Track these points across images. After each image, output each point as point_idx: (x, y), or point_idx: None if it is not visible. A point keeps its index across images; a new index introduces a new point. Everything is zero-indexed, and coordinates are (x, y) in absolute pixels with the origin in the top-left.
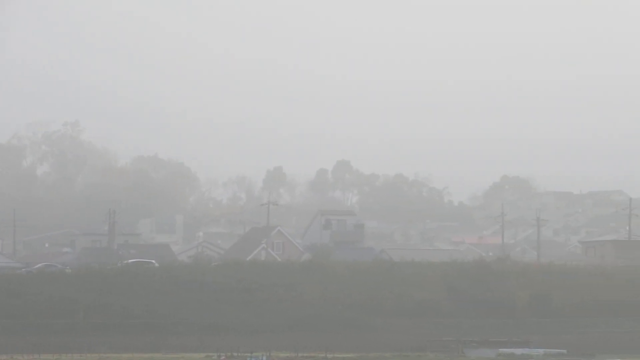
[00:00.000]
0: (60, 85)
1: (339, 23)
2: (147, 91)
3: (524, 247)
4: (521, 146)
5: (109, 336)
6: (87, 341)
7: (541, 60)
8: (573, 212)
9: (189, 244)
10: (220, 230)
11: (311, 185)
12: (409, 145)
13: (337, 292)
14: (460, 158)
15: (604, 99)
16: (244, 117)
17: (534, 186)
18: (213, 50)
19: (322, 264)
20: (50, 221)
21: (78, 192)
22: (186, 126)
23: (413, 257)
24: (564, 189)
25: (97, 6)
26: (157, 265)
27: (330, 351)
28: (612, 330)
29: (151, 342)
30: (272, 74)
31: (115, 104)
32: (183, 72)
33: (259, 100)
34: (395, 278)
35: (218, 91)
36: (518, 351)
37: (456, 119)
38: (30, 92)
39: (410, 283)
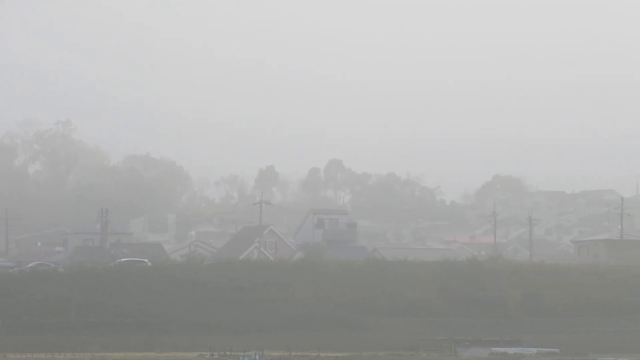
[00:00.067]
0: (52, 84)
1: (335, 23)
2: (139, 90)
3: (516, 246)
4: (513, 146)
5: (101, 335)
6: (79, 340)
7: (541, 60)
8: (565, 212)
9: (181, 243)
10: (213, 230)
11: (303, 184)
12: (401, 144)
13: (329, 291)
14: (452, 157)
15: (604, 99)
16: (236, 116)
17: (525, 185)
18: (205, 50)
19: (315, 263)
20: (43, 220)
21: (70, 191)
22: (178, 125)
23: (405, 256)
24: (556, 189)
25: (90, 6)
26: (149, 264)
27: (322, 350)
28: (605, 329)
29: (144, 341)
30: (265, 74)
31: (107, 103)
32: (175, 71)
33: (251, 99)
34: (388, 277)
35: (210, 90)
36: (510, 350)
37: (454, 119)
38: (22, 91)
39: (403, 282)
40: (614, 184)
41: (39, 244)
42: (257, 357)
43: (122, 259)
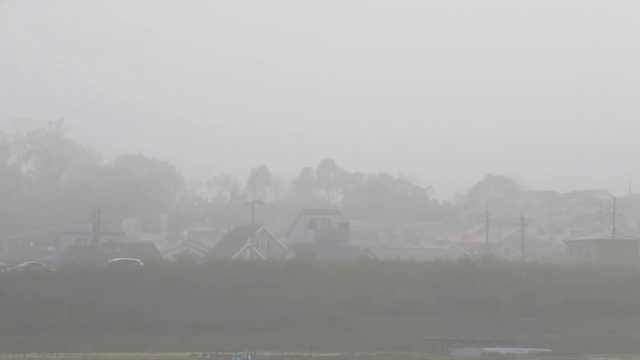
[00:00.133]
0: (45, 83)
1: (333, 23)
2: (132, 90)
3: (508, 246)
4: (509, 146)
5: (93, 335)
6: (72, 340)
7: (541, 60)
8: (557, 212)
9: (173, 243)
10: (205, 229)
11: (296, 184)
12: (394, 144)
13: (322, 291)
14: (445, 157)
15: (604, 99)
16: (228, 116)
17: (518, 185)
18: (198, 50)
19: (307, 263)
20: (35, 220)
21: (63, 191)
22: (171, 125)
23: (398, 256)
24: (549, 188)
25: (84, 5)
26: (141, 264)
27: (315, 350)
28: (597, 329)
29: (136, 341)
30: (259, 74)
31: (100, 102)
32: (169, 71)
33: (244, 100)
34: (380, 277)
35: (203, 90)
36: (503, 350)
37: (448, 119)
38: (15, 90)
39: (395, 282)
40: (606, 184)
41: (31, 243)
42: (249, 357)
43: (115, 259)
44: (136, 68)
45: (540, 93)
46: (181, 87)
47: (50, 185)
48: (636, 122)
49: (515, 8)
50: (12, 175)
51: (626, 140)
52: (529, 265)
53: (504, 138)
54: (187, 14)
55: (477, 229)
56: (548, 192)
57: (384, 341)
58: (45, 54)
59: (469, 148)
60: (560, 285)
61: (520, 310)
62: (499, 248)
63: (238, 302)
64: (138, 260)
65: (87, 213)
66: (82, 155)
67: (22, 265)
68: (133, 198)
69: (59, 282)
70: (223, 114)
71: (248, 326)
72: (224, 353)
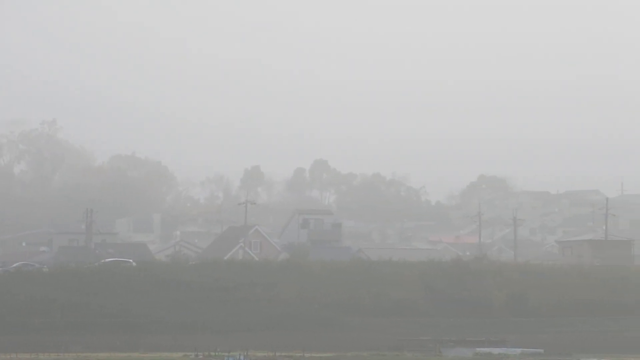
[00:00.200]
0: (38, 84)
1: (327, 23)
2: (125, 90)
3: (500, 246)
4: (499, 146)
5: (86, 335)
6: (64, 340)
7: (541, 60)
8: (550, 212)
9: (166, 243)
10: (198, 230)
11: (289, 184)
12: (387, 145)
13: (314, 291)
14: (438, 158)
15: (604, 99)
16: (221, 116)
17: (510, 186)
18: (192, 49)
19: (300, 263)
20: (28, 220)
21: (55, 191)
22: (164, 125)
23: (390, 256)
24: (541, 189)
25: (78, 5)
26: (134, 264)
27: (307, 350)
28: (589, 329)
29: (128, 341)
30: (252, 74)
31: (93, 102)
32: (161, 72)
33: (237, 100)
34: (373, 277)
35: (196, 91)
36: (495, 350)
37: (446, 119)
38: (8, 90)
39: (388, 282)
40: (599, 185)
41: (23, 244)
42: (242, 357)
43: (107, 259)
44: (129, 68)
45: (540, 93)
46: (174, 88)
47: (43, 185)
48: (633, 122)
49: (515, 8)
50: (5, 175)
51: (620, 140)
52: (522, 266)
53: (501, 138)
54: (183, 14)
55: (469, 230)
56: (540, 193)
57: (377, 341)
58: (38, 54)
59: (461, 148)
60: (552, 285)
61: (512, 311)
62: (491, 248)
63: (230, 302)
64: (130, 260)
65: (79, 213)
66: (75, 156)
67: (14, 265)
68: (126, 198)
69: (51, 283)
70: (216, 114)
71: (240, 326)
72: (217, 353)
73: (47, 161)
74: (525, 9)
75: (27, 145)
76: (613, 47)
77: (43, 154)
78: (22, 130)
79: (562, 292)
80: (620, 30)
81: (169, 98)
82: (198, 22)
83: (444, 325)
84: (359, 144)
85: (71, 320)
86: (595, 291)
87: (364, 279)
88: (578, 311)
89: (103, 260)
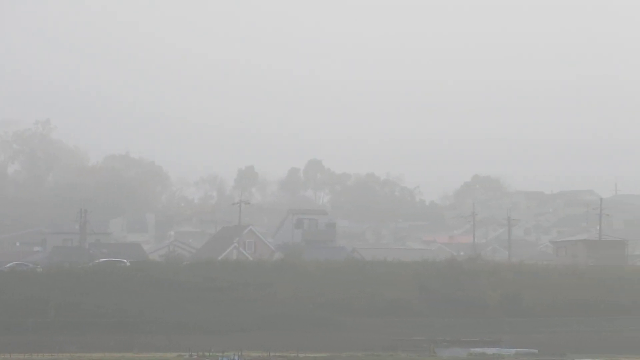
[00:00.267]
0: (31, 83)
1: (325, 23)
2: (119, 90)
3: (495, 246)
4: (494, 146)
5: (80, 335)
6: (58, 340)
7: (541, 60)
8: (544, 212)
9: (160, 243)
10: (192, 229)
11: (283, 184)
12: (381, 145)
13: (308, 291)
14: (432, 158)
15: (603, 99)
16: (215, 116)
17: (504, 186)
18: (186, 49)
19: (294, 264)
20: (21, 220)
21: (49, 191)
22: (158, 125)
23: (385, 256)
24: (535, 189)
25: (69, 5)
26: (128, 264)
27: (301, 351)
28: (583, 329)
29: (122, 341)
30: (246, 75)
31: (87, 102)
32: (155, 71)
33: (230, 100)
34: (367, 277)
35: (190, 91)
36: (489, 351)
37: (443, 119)
38: (1, 90)
39: (382, 282)
40: (593, 185)
41: (17, 243)
42: (236, 357)
43: (101, 259)
44: (123, 68)
45: (539, 93)
46: (168, 88)
47: (36, 185)
48: (632, 122)
49: (515, 8)
50: None
51: (614, 141)
52: (516, 266)
53: (500, 138)
54: (178, 14)
55: (463, 230)
56: (535, 193)
57: (371, 341)
58: (32, 54)
59: (457, 149)
60: (546, 285)
61: (507, 311)
62: (485, 248)
63: (225, 303)
64: (124, 260)
65: (73, 213)
66: (69, 155)
67: (8, 265)
68: (120, 198)
69: (45, 282)
70: (210, 114)
71: (235, 326)
72: (211, 353)
73: (41, 161)
74: (525, 9)
75: (20, 145)
76: (613, 47)
77: (37, 153)
78: (15, 130)
79: (556, 292)
80: (620, 30)
81: (163, 98)
82: (194, 23)
83: (438, 325)
84: (353, 144)
85: (65, 320)
86: (590, 291)
87: (358, 279)
88: (572, 311)
89: (97, 260)
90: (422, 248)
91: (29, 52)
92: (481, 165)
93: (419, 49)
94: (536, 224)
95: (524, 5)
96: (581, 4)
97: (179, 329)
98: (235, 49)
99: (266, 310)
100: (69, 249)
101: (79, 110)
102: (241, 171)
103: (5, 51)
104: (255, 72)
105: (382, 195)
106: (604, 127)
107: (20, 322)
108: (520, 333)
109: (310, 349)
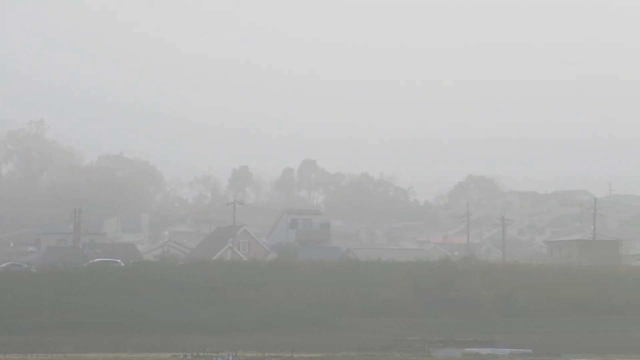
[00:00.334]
0: (31, 83)
1: (324, 24)
2: (118, 90)
3: (489, 246)
4: (490, 146)
5: (74, 335)
6: (52, 340)
7: (541, 60)
8: (538, 212)
9: (154, 243)
10: (186, 230)
11: (277, 184)
12: (375, 145)
13: (303, 291)
14: (432, 158)
15: (603, 99)
16: (210, 116)
17: (498, 186)
18: (185, 49)
19: (288, 264)
20: (15, 220)
21: (43, 191)
22: (152, 125)
23: (379, 256)
24: (529, 189)
25: (69, 5)
26: (122, 264)
27: (296, 351)
28: (577, 329)
29: (117, 342)
30: (245, 74)
31: (81, 102)
32: (154, 71)
33: (230, 99)
34: (361, 277)
35: (184, 91)
36: (483, 351)
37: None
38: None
39: (376, 282)
40: (587, 185)
41: (11, 244)
42: (231, 357)
43: (95, 259)
44: (122, 68)
45: (539, 93)
46: (162, 87)
47: (30, 185)
48: (631, 122)
49: (515, 8)
50: None
51: (610, 141)
52: (510, 266)
53: (500, 138)
54: (174, 14)
55: (457, 230)
56: (529, 193)
57: (365, 341)
58: (32, 53)
59: (456, 149)
60: (541, 285)
61: (501, 311)
62: (479, 248)
63: (219, 303)
64: (119, 260)
65: (67, 213)
66: (63, 156)
67: (2, 265)
68: (114, 198)
69: (39, 283)
70: (210, 114)
71: (229, 326)
72: (205, 354)
73: (35, 161)
74: (525, 9)
75: (14, 145)
76: (613, 47)
77: (31, 153)
78: (9, 130)
79: (550, 292)
80: (620, 30)
81: (163, 98)
82: (194, 23)
83: (433, 326)
84: (353, 144)
85: (59, 321)
86: (584, 291)
87: (352, 279)
88: (566, 311)
89: (91, 261)
90: (416, 248)
91: (28, 52)
92: (481, 166)
93: (419, 49)
94: (530, 224)
95: (524, 5)
96: (581, 4)
97: (173, 329)
98: (235, 49)
99: (261, 310)
100: (63, 249)
101: (78, 110)
102: (235, 171)
103: (5, 51)
104: (255, 72)
105: (376, 196)
106: (604, 127)
107: (15, 323)
108: (514, 333)
109: (304, 349)
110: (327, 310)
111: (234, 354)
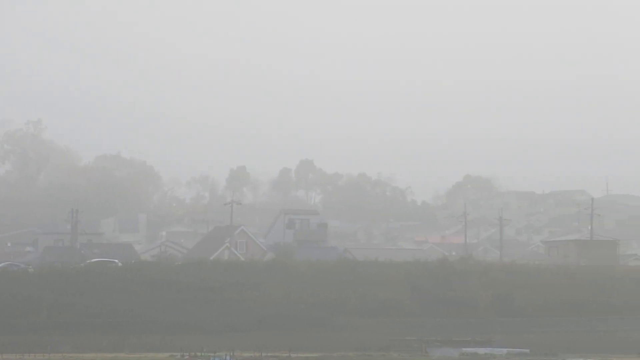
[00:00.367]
0: (31, 83)
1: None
2: (118, 90)
3: (486, 246)
4: (488, 146)
5: (72, 335)
6: (50, 340)
7: (541, 60)
8: (535, 212)
9: (152, 243)
10: (184, 230)
11: (274, 184)
12: (373, 145)
13: (300, 291)
14: (432, 158)
15: (603, 99)
16: (215, 116)
17: (496, 186)
18: (185, 49)
19: (286, 264)
20: (13, 220)
21: (41, 191)
22: (150, 125)
23: (376, 256)
24: (527, 189)
25: (69, 5)
26: (120, 264)
27: (294, 351)
28: (575, 329)
29: (114, 342)
30: (245, 74)
31: (78, 102)
32: (154, 71)
33: (230, 99)
34: (359, 277)
35: (182, 91)
36: (481, 351)
37: (436, 119)
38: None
39: (374, 282)
40: (584, 185)
41: (9, 244)
42: (228, 357)
43: (93, 260)
44: (122, 68)
45: (540, 93)
46: (162, 87)
47: (28, 185)
48: (631, 122)
49: (515, 8)
50: None
51: (607, 141)
52: (507, 266)
53: (495, 138)
54: (174, 14)
55: (455, 230)
56: (526, 193)
57: (363, 341)
58: (31, 53)
59: (456, 149)
60: (538, 285)
61: (498, 311)
62: (477, 248)
63: (217, 303)
64: (116, 260)
65: (65, 213)
66: (60, 156)
67: None
68: (111, 198)
69: (37, 283)
70: (204, 114)
71: (227, 326)
72: (203, 353)
73: (32, 161)
74: (525, 9)
75: (12, 145)
76: (613, 47)
77: (28, 153)
78: (7, 130)
79: (548, 292)
80: (620, 30)
81: (163, 98)
82: (194, 23)
83: (430, 326)
84: (353, 144)
85: (57, 321)
86: (581, 291)
87: (350, 279)
88: (564, 311)
89: (89, 261)
90: (413, 248)
91: (28, 52)
92: (481, 166)
93: (419, 49)
94: (528, 224)
95: (524, 5)
96: (581, 4)
97: (171, 329)
98: (235, 49)
99: (258, 310)
100: (60, 249)
101: (78, 110)
102: (233, 171)
103: (4, 51)
104: (255, 72)
105: (374, 196)
106: (604, 127)
107: (12, 323)
108: (511, 333)
109: (302, 349)
110: (325, 310)
111: (232, 353)
